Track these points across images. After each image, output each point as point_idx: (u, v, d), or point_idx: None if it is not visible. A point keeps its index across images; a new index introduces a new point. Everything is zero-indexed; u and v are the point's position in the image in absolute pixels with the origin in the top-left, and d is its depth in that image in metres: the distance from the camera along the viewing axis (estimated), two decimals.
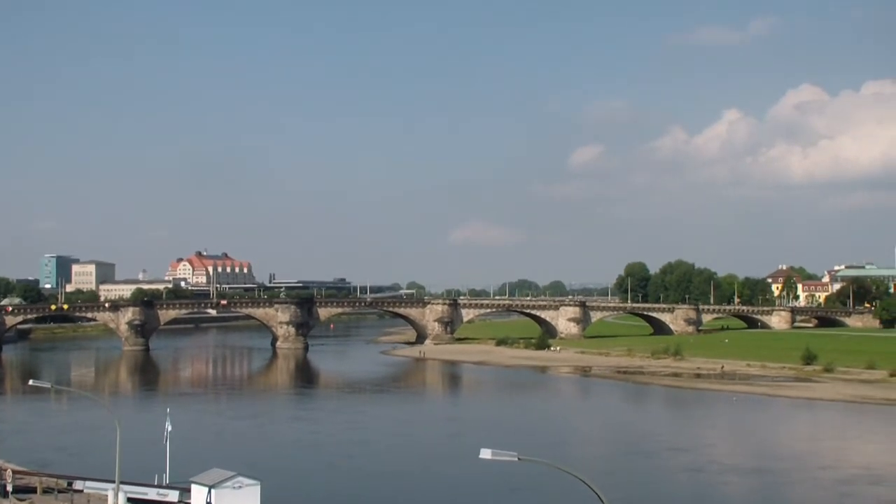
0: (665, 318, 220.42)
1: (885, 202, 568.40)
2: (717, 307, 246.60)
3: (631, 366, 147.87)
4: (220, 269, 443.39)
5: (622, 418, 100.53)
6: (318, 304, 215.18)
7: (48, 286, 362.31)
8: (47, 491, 50.17)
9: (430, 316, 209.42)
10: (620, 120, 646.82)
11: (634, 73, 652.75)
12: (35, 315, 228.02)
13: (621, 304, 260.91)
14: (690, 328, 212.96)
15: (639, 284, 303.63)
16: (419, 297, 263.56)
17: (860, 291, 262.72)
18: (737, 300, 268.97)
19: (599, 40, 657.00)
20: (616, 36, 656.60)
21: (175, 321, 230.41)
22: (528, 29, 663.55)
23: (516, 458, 24.45)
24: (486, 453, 24.18)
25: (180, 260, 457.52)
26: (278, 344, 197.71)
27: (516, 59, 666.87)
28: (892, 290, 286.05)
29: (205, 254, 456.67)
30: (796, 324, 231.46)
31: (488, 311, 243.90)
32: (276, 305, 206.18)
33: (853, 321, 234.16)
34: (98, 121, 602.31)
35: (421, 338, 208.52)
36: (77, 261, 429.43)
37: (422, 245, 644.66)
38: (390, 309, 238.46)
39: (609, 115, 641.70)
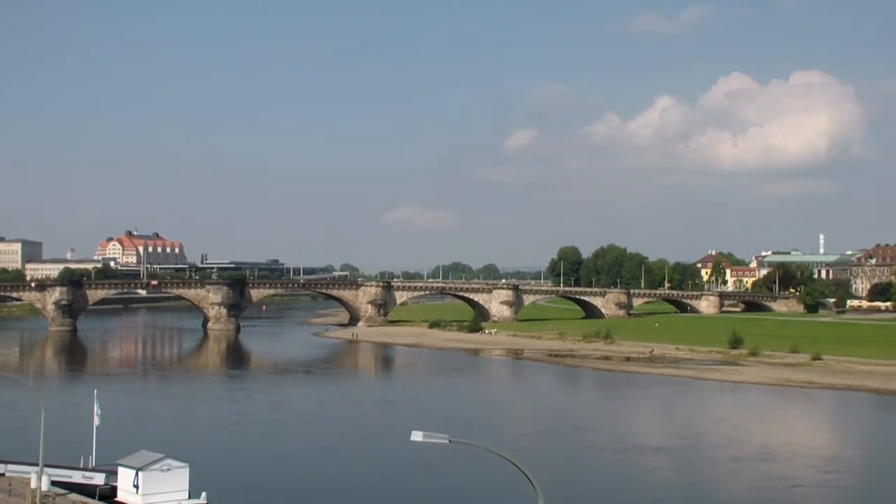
0: (597, 301, 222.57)
1: (810, 190, 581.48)
2: (647, 291, 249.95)
3: (562, 349, 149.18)
4: (150, 249, 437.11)
5: (552, 401, 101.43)
6: (250, 286, 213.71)
7: None
8: None
9: (364, 298, 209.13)
10: (556, 105, 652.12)
11: (572, 60, 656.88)
12: None
13: (554, 288, 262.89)
14: (621, 312, 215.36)
15: (571, 268, 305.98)
16: (353, 280, 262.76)
17: (786, 277, 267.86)
18: (667, 285, 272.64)
19: (539, 25, 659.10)
20: (556, 22, 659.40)
21: (104, 301, 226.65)
22: (466, 12, 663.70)
23: (447, 441, 24.49)
24: (417, 435, 24.16)
25: (110, 239, 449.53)
26: (210, 325, 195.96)
27: (455, 41, 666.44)
28: (815, 276, 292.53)
29: (135, 233, 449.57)
30: (724, 308, 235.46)
31: (422, 293, 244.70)
32: (208, 286, 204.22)
33: (779, 306, 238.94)
34: (22, 93, 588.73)
35: (354, 320, 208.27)
36: (2, 239, 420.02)
37: (356, 227, 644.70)
38: (323, 291, 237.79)
39: (545, 100, 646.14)
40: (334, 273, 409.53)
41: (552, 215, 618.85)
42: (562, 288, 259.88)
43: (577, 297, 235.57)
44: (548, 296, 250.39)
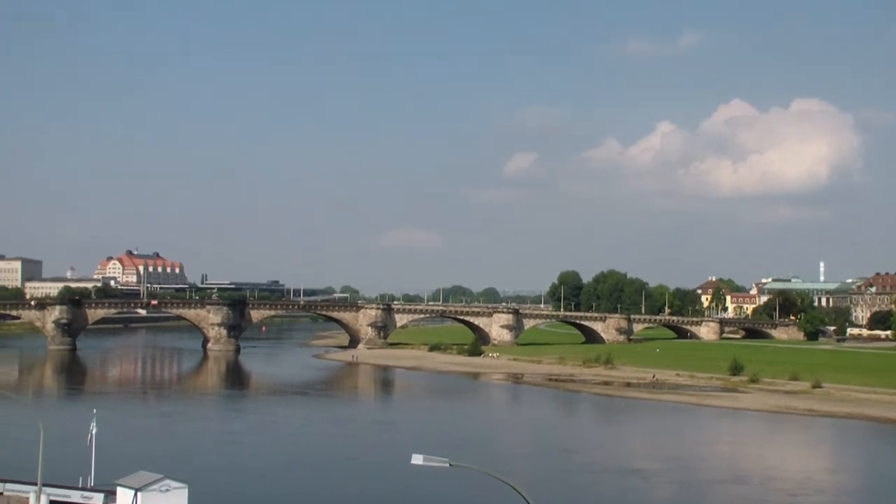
0: (597, 326, 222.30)
1: (810, 217, 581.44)
2: (648, 317, 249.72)
3: (562, 374, 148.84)
4: (150, 269, 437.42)
5: (552, 425, 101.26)
6: (250, 306, 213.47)
7: None
8: None
9: (364, 320, 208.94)
10: (555, 129, 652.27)
11: (571, 84, 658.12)
12: None
13: (554, 312, 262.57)
14: (622, 337, 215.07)
15: (571, 293, 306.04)
16: (353, 301, 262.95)
17: (786, 304, 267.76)
18: (667, 310, 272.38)
19: (537, 48, 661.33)
20: (554, 45, 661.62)
21: (104, 321, 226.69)
22: (464, 33, 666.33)
23: (447, 464, 24.47)
24: (417, 459, 24.14)
25: (110, 258, 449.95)
26: (209, 346, 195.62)
27: (453, 63, 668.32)
28: (816, 304, 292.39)
29: (135, 253, 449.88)
30: (725, 335, 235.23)
31: (422, 316, 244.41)
32: (208, 307, 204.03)
33: (779, 333, 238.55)
34: (23, 111, 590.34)
35: (354, 342, 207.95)
36: (2, 257, 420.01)
37: (356, 249, 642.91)
38: (324, 312, 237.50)
39: (544, 123, 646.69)
40: (334, 295, 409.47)
41: (552, 239, 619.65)
42: (562, 312, 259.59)
43: (578, 321, 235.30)
44: (548, 320, 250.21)
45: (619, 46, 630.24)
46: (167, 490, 44.41)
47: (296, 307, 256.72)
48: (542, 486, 57.10)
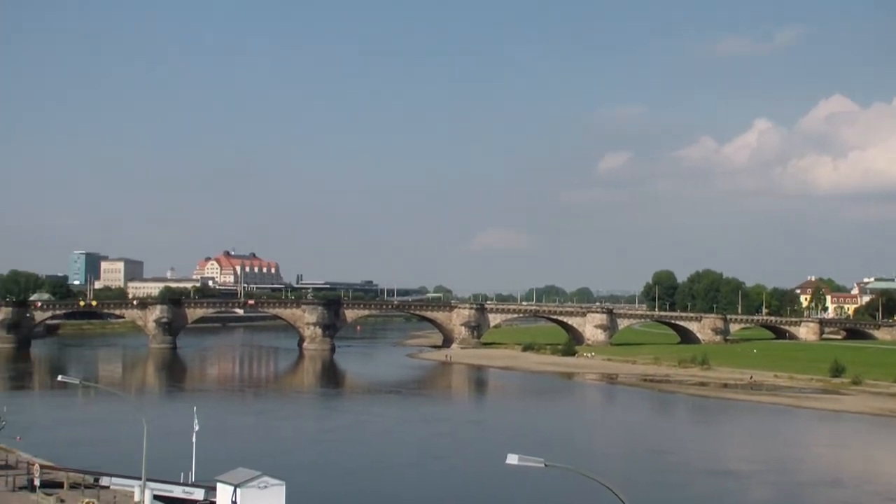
0: (692, 326, 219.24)
1: None
2: (745, 317, 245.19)
3: (657, 374, 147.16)
4: (247, 269, 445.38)
5: (647, 426, 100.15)
6: (345, 306, 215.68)
7: (77, 282, 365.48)
8: (74, 486, 50.45)
9: (457, 320, 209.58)
10: (648, 128, 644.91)
11: (664, 82, 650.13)
12: (63, 311, 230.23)
13: (648, 312, 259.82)
14: (718, 338, 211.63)
15: (666, 293, 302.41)
16: (446, 301, 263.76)
17: (889, 304, 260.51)
18: (765, 310, 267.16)
19: (631, 47, 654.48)
20: (648, 43, 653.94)
21: (202, 320, 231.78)
22: (555, 33, 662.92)
23: (543, 465, 24.45)
24: (512, 458, 24.17)
25: (208, 259, 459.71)
26: (305, 345, 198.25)
27: (542, 63, 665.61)
28: None
29: (232, 253, 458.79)
30: (825, 335, 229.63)
31: (515, 316, 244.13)
32: (304, 306, 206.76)
33: (882, 334, 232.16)
34: (118, 116, 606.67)
35: (447, 342, 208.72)
36: (106, 258, 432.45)
37: (448, 249, 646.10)
38: (417, 312, 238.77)
39: (637, 123, 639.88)
40: (428, 295, 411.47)
41: (645, 239, 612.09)
42: (657, 312, 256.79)
43: (673, 321, 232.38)
44: (642, 320, 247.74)
45: (713, 44, 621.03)
46: (265, 487, 45.18)
47: (389, 307, 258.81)
48: (637, 488, 56.52)
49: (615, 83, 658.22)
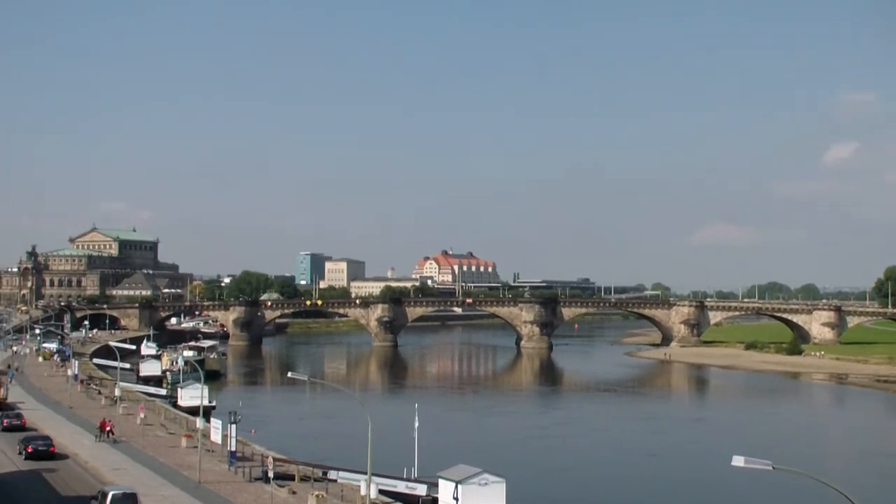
0: None
1: None
2: None
3: (893, 375, 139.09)
4: (464, 268, 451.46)
5: (883, 429, 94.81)
6: (561, 304, 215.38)
7: (303, 282, 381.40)
8: (304, 479, 52.35)
9: (676, 318, 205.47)
10: (878, 116, 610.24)
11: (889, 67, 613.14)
12: (291, 310, 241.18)
13: (881, 310, 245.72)
14: None
15: None
16: (664, 299, 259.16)
17: None
18: None
19: (856, 33, 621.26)
20: (874, 28, 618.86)
21: (422, 318, 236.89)
22: (772, 24, 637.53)
23: (770, 467, 23.47)
24: (738, 460, 23.38)
25: (426, 258, 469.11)
26: (522, 343, 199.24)
27: (755, 54, 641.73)
28: None
29: (450, 253, 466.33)
30: None
31: (736, 313, 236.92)
32: (521, 305, 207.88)
33: None
34: (355, 127, 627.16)
35: (666, 340, 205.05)
36: (330, 258, 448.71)
37: (667, 246, 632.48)
38: (635, 310, 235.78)
39: (866, 111, 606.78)
40: (645, 292, 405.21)
41: (876, 232, 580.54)
42: (890, 309, 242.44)
43: None
44: (874, 318, 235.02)
45: None
46: (486, 484, 45.44)
47: (607, 305, 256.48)
48: (871, 494, 53.55)
49: (841, 70, 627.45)
